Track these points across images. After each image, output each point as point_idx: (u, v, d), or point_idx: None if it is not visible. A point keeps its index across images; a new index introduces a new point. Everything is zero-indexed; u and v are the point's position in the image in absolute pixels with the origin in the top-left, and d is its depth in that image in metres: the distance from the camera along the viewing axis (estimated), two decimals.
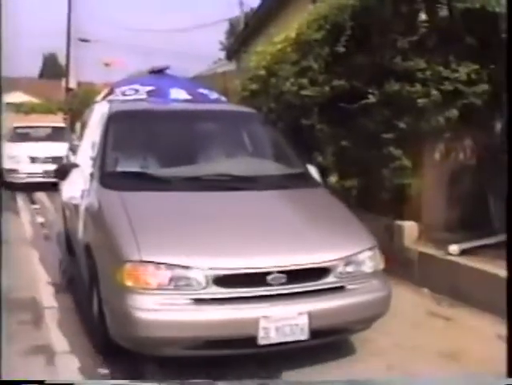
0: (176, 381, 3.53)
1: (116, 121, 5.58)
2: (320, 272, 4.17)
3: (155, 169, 5.19)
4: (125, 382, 3.61)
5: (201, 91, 6.72)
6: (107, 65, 39.04)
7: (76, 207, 5.48)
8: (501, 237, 5.81)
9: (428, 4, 6.10)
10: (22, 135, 15.13)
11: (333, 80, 6.86)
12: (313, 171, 5.61)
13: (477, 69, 6.10)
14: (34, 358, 4.29)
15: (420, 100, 6.15)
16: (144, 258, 3.90)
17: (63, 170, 5.90)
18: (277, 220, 4.59)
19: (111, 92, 6.66)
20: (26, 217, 10.03)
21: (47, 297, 5.75)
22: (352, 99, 6.63)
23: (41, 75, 69.44)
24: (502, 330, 4.56)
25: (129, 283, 3.87)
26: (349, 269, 4.28)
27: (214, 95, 6.80)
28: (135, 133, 5.63)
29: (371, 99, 6.45)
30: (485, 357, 4.50)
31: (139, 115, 5.83)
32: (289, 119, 7.46)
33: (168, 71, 6.89)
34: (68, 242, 6.98)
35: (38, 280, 6.31)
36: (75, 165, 5.76)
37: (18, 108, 37.90)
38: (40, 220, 9.83)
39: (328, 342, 4.41)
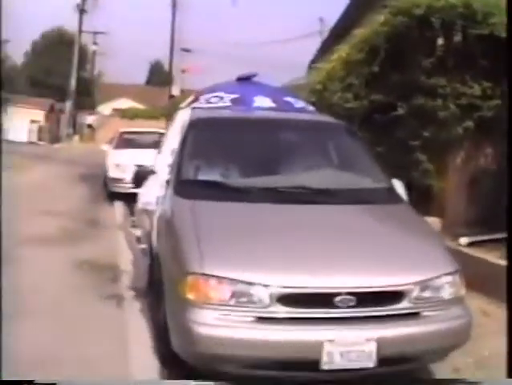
0: (180, 381, 3.29)
1: (196, 129, 5.42)
2: (393, 296, 3.85)
3: (232, 179, 4.98)
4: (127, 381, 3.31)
5: (287, 99, 6.36)
6: (183, 71, 41.14)
7: (151, 214, 5.47)
8: None
9: (445, 30, 7.09)
10: (128, 142, 14.68)
11: (371, 95, 7.96)
12: (398, 186, 5.30)
13: (490, 86, 7.03)
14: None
15: (440, 113, 7.16)
16: (207, 271, 3.73)
17: (140, 176, 6.03)
18: (352, 237, 4.29)
19: (196, 99, 6.41)
20: (122, 230, 9.44)
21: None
22: (386, 112, 7.71)
23: (147, 82, 73.32)
24: (487, 308, 5.62)
25: (190, 296, 3.74)
26: (425, 294, 3.94)
27: (300, 104, 6.44)
28: (215, 141, 5.39)
29: (401, 111, 7.51)
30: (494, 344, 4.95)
31: (219, 123, 5.61)
32: None
33: (255, 79, 6.56)
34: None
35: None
36: (152, 172, 5.80)
37: (124, 114, 40.91)
38: (138, 233, 8.27)
39: (397, 370, 4.03)
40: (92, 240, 8.21)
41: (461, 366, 4.40)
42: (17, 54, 52.00)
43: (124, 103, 51.68)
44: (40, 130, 43.48)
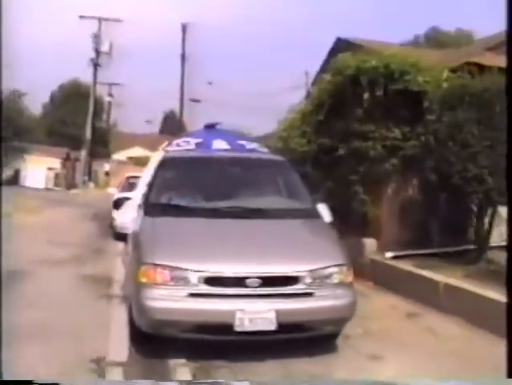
0: (176, 381, 3.47)
1: (164, 165, 6.88)
2: (290, 280, 5.20)
3: (187, 202, 6.26)
4: (123, 382, 3.47)
5: (240, 142, 7.76)
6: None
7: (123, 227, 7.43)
8: (434, 250, 8.43)
9: (370, 87, 8.90)
10: (133, 185, 15.25)
11: (318, 139, 9.75)
12: (322, 208, 6.52)
13: (409, 130, 8.78)
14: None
15: (371, 152, 8.91)
16: (156, 262, 5.16)
17: (118, 203, 7.98)
18: (267, 239, 5.66)
19: (169, 144, 8.04)
20: (120, 256, 10.40)
21: None
22: (331, 152, 9.48)
23: (161, 131, 75.65)
24: (396, 301, 7.25)
25: (143, 280, 5.17)
26: (317, 279, 5.27)
27: (252, 145, 7.78)
28: (177, 175, 6.85)
29: (341, 151, 9.27)
30: (386, 323, 6.66)
31: (182, 161, 7.08)
32: (296, 167, 10.38)
33: (218, 126, 8.14)
34: None
35: None
36: (127, 198, 7.88)
37: (137, 161, 43.10)
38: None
39: (299, 337, 5.35)
40: (95, 262, 10.03)
41: (352, 334, 5.99)
42: (35, 105, 54.97)
43: (137, 152, 54.02)
44: (57, 177, 45.81)
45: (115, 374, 4.84)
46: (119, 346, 5.49)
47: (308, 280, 5.21)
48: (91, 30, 45.20)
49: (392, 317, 6.93)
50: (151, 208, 6.15)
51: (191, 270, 5.06)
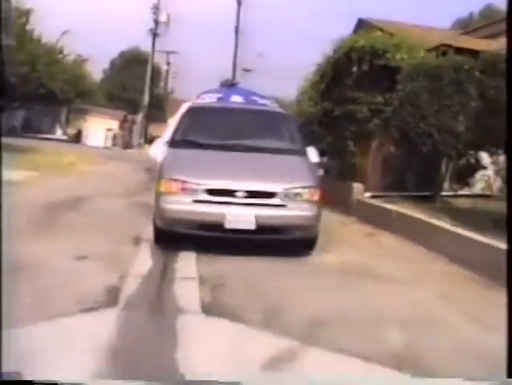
0: (177, 380, 3.61)
1: (188, 112, 8.68)
2: (268, 195, 6.91)
3: (203, 139, 7.85)
4: (122, 382, 3.51)
5: (254, 98, 9.50)
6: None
7: (156, 159, 8.49)
8: (404, 193, 10.71)
9: (359, 62, 11.19)
10: None
11: (322, 103, 12.13)
12: (310, 150, 8.11)
13: (389, 97, 11.04)
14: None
15: (359, 114, 11.25)
16: (172, 177, 6.96)
17: (152, 140, 10.01)
18: (255, 166, 7.35)
19: (197, 98, 9.79)
20: None
21: None
22: (330, 114, 11.86)
23: None
24: (371, 231, 9.63)
25: (162, 190, 6.96)
26: (289, 195, 6.94)
27: (263, 101, 9.46)
28: (198, 119, 8.48)
29: (337, 113, 11.64)
30: (348, 239, 9.38)
31: (203, 109, 8.90)
32: (306, 125, 12.85)
33: (238, 85, 10.91)
34: None
35: None
36: (158, 137, 9.93)
37: None
38: None
39: (274, 238, 7.03)
40: (142, 196, 12.57)
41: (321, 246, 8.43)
42: (96, 70, 58.29)
43: None
44: (115, 137, 49.02)
45: (146, 245, 7.37)
46: (148, 238, 7.72)
47: (282, 196, 6.91)
48: (152, 1, 47.95)
49: (354, 236, 9.31)
50: (174, 143, 7.96)
51: (196, 184, 6.86)
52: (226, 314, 4.68)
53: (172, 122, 9.70)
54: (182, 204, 6.84)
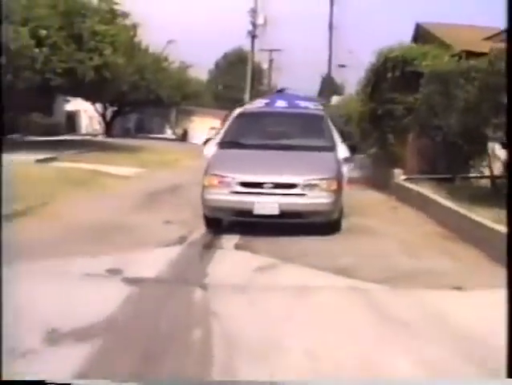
0: (177, 380, 3.73)
1: (237, 117, 9.93)
2: (291, 186, 8.11)
3: (247, 141, 9.10)
4: (123, 383, 3.63)
5: (297, 102, 10.53)
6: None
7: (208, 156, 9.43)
8: (433, 176, 12.95)
9: (393, 69, 13.60)
10: None
11: (369, 104, 14.69)
12: (341, 146, 9.33)
13: (417, 97, 13.35)
14: None
15: (396, 112, 13.70)
16: (214, 172, 8.31)
17: (206, 141, 10.63)
18: (283, 162, 8.49)
19: (250, 103, 11.73)
20: None
21: None
22: (375, 113, 14.39)
23: (320, 92, 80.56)
24: (396, 205, 12.15)
25: (206, 183, 8.28)
26: (309, 186, 8.07)
27: (305, 104, 10.55)
28: (246, 123, 9.66)
29: (380, 112, 14.14)
30: (376, 211, 11.91)
31: (251, 114, 10.13)
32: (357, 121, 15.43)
33: (287, 91, 12.07)
34: None
35: None
36: (211, 139, 10.48)
37: None
38: None
39: (295, 222, 8.23)
40: None
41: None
42: (201, 74, 61.94)
43: None
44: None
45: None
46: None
47: (302, 186, 8.12)
48: (249, 6, 51.11)
49: (382, 208, 11.75)
50: (222, 144, 9.33)
51: (232, 178, 8.20)
52: (249, 250, 7.59)
53: (226, 125, 10.75)
54: (221, 195, 8.23)
